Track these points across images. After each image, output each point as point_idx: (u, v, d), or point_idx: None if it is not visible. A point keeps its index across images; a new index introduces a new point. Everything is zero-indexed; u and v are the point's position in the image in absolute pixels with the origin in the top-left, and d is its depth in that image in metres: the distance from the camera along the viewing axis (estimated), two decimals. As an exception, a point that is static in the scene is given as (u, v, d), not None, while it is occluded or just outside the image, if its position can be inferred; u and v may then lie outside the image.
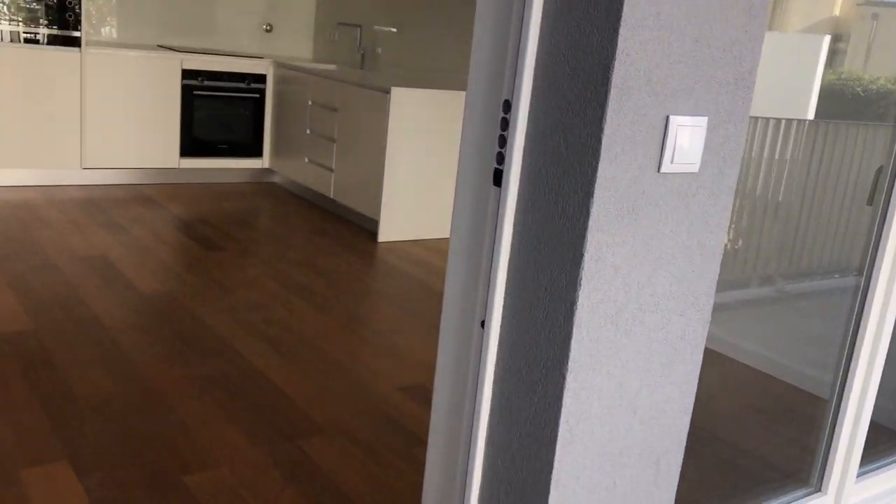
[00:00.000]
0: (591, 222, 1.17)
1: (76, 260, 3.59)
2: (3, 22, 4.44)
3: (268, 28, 5.89)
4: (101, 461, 2.09)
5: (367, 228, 4.71)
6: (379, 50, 5.36)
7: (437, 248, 4.47)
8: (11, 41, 4.49)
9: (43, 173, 4.83)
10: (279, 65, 5.35)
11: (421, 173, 4.47)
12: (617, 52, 1.13)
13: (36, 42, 4.56)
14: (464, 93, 4.50)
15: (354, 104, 4.56)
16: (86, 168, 4.90)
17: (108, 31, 5.29)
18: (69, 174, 4.92)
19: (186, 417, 2.35)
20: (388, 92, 4.27)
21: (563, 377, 1.21)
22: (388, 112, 4.28)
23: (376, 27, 5.36)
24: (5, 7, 4.43)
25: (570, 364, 1.20)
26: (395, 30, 5.20)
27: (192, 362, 2.71)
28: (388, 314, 3.37)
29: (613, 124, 1.16)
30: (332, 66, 5.60)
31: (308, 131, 5.04)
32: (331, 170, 4.83)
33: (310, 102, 5.00)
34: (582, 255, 1.18)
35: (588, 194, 1.17)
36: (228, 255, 3.91)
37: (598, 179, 1.16)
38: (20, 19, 4.49)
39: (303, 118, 5.08)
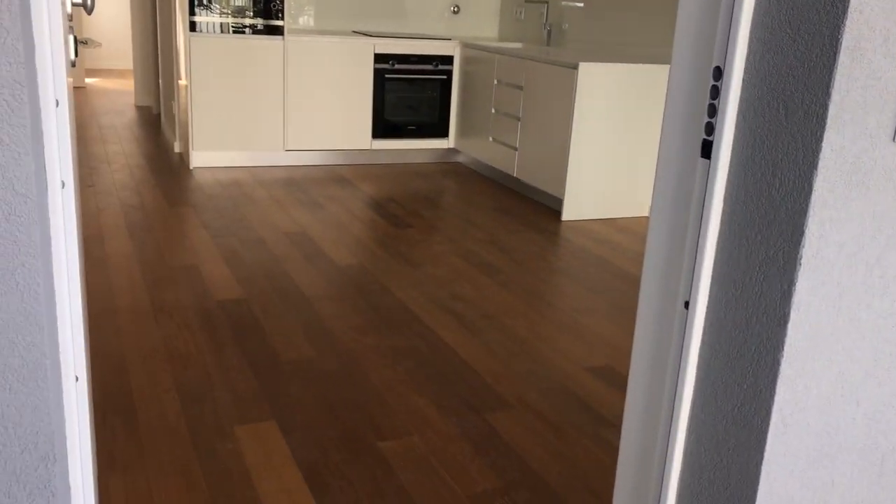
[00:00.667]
0: (813, 197, 1.08)
1: (280, 235, 3.85)
2: (214, 14, 4.82)
3: (455, 10, 5.98)
4: (303, 422, 2.23)
5: (550, 207, 4.67)
6: (565, 26, 5.28)
7: (623, 227, 4.35)
8: (222, 32, 4.87)
9: (250, 155, 5.22)
10: (466, 45, 5.41)
11: (607, 150, 4.37)
12: (849, 9, 1.02)
13: (243, 32, 4.91)
14: (653, 66, 4.32)
15: (540, 81, 4.53)
16: (288, 150, 5.23)
17: (307, 20, 5.59)
18: (273, 156, 5.28)
19: (380, 385, 2.46)
20: (575, 68, 4.20)
21: (776, 363, 1.13)
22: (574, 88, 4.21)
23: (563, 2, 5.28)
24: (217, 2, 4.81)
25: (786, 349, 1.12)
26: (581, 4, 5.09)
27: (385, 333, 2.82)
28: (572, 293, 3.33)
29: (842, 90, 1.06)
30: (517, 45, 5.59)
31: (493, 110, 5.07)
32: (515, 148, 4.83)
33: (495, 81, 5.03)
34: (802, 232, 1.09)
35: (811, 166, 1.08)
36: (416, 232, 4.03)
37: (822, 150, 1.07)
38: (230, 11, 4.85)
39: (488, 98, 5.12)
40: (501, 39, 5.97)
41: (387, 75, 5.36)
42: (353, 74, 5.25)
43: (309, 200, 4.51)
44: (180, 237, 3.72)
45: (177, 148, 5.53)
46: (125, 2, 9.68)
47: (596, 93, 4.24)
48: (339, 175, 5.21)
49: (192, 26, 4.80)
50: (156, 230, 3.80)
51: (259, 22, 4.94)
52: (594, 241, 4.07)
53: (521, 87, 4.75)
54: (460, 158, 5.79)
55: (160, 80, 6.73)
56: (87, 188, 4.45)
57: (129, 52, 9.83)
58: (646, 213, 4.61)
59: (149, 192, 4.44)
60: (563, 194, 4.37)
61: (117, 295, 3.01)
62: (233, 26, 4.88)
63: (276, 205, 4.37)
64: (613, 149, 4.38)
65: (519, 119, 4.77)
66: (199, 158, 5.10)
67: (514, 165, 4.85)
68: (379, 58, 5.30)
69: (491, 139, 5.12)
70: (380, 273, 3.42)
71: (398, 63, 5.36)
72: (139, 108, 7.27)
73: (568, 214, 4.40)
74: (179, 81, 5.32)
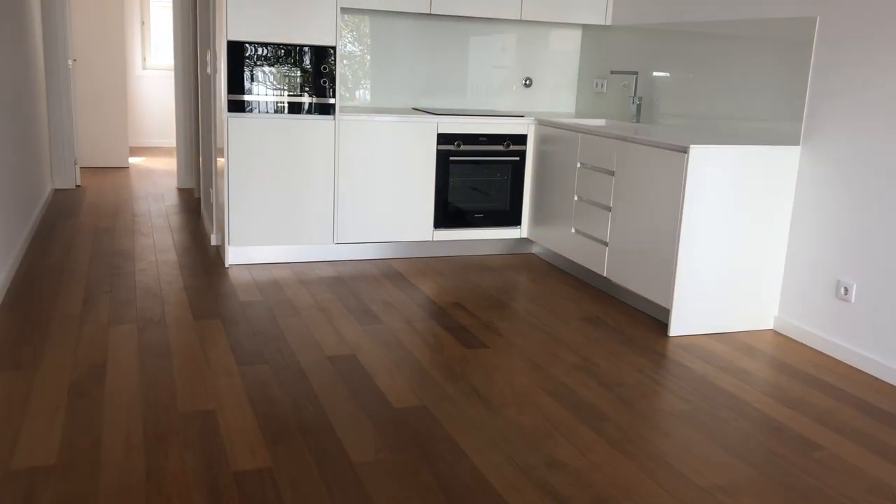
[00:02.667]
0: None
1: (323, 361, 3.11)
2: (257, 93, 4.23)
3: (527, 82, 5.31)
4: None
5: (652, 316, 3.85)
6: (657, 99, 4.54)
7: (747, 345, 3.50)
8: (265, 112, 4.26)
9: (295, 250, 4.55)
10: (541, 122, 4.71)
11: (724, 248, 3.55)
12: None
13: (289, 112, 4.30)
14: (776, 148, 3.53)
15: (637, 165, 3.76)
16: (338, 243, 4.55)
17: (361, 97, 4.98)
18: (321, 250, 4.60)
19: None
20: (684, 151, 3.43)
21: None
22: (684, 175, 3.43)
23: (655, 73, 4.56)
24: (260, 79, 4.22)
25: None
26: (674, 76, 4.36)
27: (459, 530, 2.02)
28: (706, 455, 2.49)
29: None
30: (600, 121, 4.86)
31: (576, 197, 4.32)
32: (604, 243, 4.05)
33: (578, 164, 4.29)
34: None
35: None
36: (490, 355, 3.25)
37: None
38: (274, 89, 4.26)
39: (569, 182, 4.38)
40: (580, 115, 5.26)
41: (451, 157, 4.67)
42: (413, 157, 4.58)
43: (360, 308, 3.78)
44: (200, 366, 3.01)
45: (213, 240, 4.90)
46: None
47: (710, 180, 3.46)
48: (396, 271, 4.49)
49: (232, 106, 4.21)
50: (172, 356, 3.09)
51: (307, 100, 4.33)
52: (717, 369, 3.22)
53: (611, 172, 3.99)
54: (534, 249, 5.03)
55: (200, 162, 6.20)
56: (104, 294, 3.81)
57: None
58: (771, 326, 3.74)
59: (173, 300, 3.77)
60: (671, 303, 3.55)
61: (105, 463, 2.28)
62: (278, 105, 4.27)
63: (321, 314, 3.65)
64: (731, 246, 3.56)
65: (609, 209, 4.00)
66: (236, 255, 4.45)
67: (604, 263, 4.06)
68: (443, 138, 4.62)
69: (573, 230, 4.35)
70: (449, 421, 2.63)
71: (464, 143, 4.68)
72: (181, 192, 6.75)
73: (677, 328, 3.57)
74: (217, 166, 4.72)
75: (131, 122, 9.40)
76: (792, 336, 3.64)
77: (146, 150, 9.36)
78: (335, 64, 4.34)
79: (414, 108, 5.01)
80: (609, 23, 5.00)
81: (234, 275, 4.26)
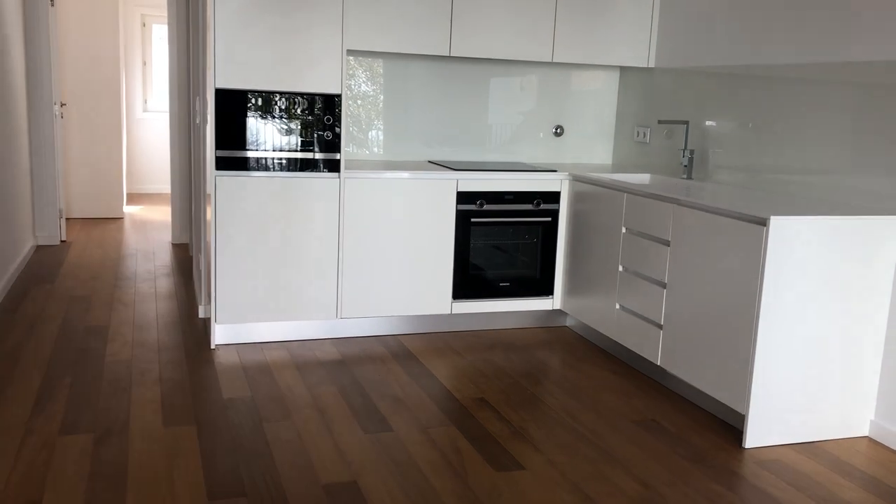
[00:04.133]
0: None
1: (317, 493, 2.47)
2: (251, 148, 3.65)
3: (557, 131, 4.71)
4: None
5: (719, 418, 3.19)
6: (714, 152, 3.93)
7: (837, 459, 2.82)
8: (259, 168, 3.68)
9: (293, 326, 3.93)
10: (577, 178, 4.10)
11: (814, 342, 2.90)
12: None
13: (288, 168, 3.72)
14: (882, 219, 2.89)
15: (699, 235, 3.14)
16: (343, 317, 3.93)
17: (371, 150, 4.40)
18: (323, 326, 3.98)
19: None
20: (763, 223, 2.80)
21: None
22: (763, 252, 2.80)
23: (708, 122, 3.95)
24: (256, 132, 3.64)
25: None
26: (730, 125, 3.75)
27: None
28: None
29: None
30: (645, 177, 4.25)
31: (621, 267, 3.69)
32: (658, 325, 3.41)
33: (623, 229, 3.67)
34: None
35: None
36: (528, 480, 2.60)
37: None
38: (271, 144, 3.68)
39: (612, 249, 3.75)
40: (618, 167, 4.65)
41: (473, 219, 4.06)
42: (429, 218, 3.97)
43: (366, 407, 3.14)
44: (161, 502, 2.37)
45: (202, 312, 4.29)
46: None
47: (795, 259, 2.82)
48: (408, 351, 3.86)
49: (221, 163, 3.63)
50: (128, 485, 2.46)
51: (309, 156, 3.75)
52: (809, 497, 2.55)
53: (665, 241, 3.36)
54: (568, 322, 4.38)
55: (192, 220, 5.64)
56: (63, 389, 3.20)
57: (180, 175, 8.94)
58: (866, 432, 3.07)
59: (143, 398, 3.15)
60: (746, 406, 2.89)
61: None
62: (275, 162, 3.69)
63: (317, 417, 3.02)
64: (820, 338, 2.91)
65: (664, 285, 3.37)
66: (224, 333, 3.84)
67: (658, 349, 3.41)
68: (463, 196, 4.02)
69: (618, 306, 3.71)
70: None
71: (488, 202, 4.07)
72: (175, 248, 6.17)
73: (754, 438, 2.91)
74: (205, 230, 4.14)
75: (131, 167, 8.89)
76: (890, 445, 2.96)
77: (146, 197, 8.84)
78: (340, 115, 3.76)
79: (430, 162, 4.42)
80: (652, 65, 4.40)
81: (220, 358, 3.64)
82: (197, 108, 4.27)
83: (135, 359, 3.60)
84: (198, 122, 4.27)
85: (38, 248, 5.86)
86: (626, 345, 3.66)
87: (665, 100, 4.30)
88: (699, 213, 3.13)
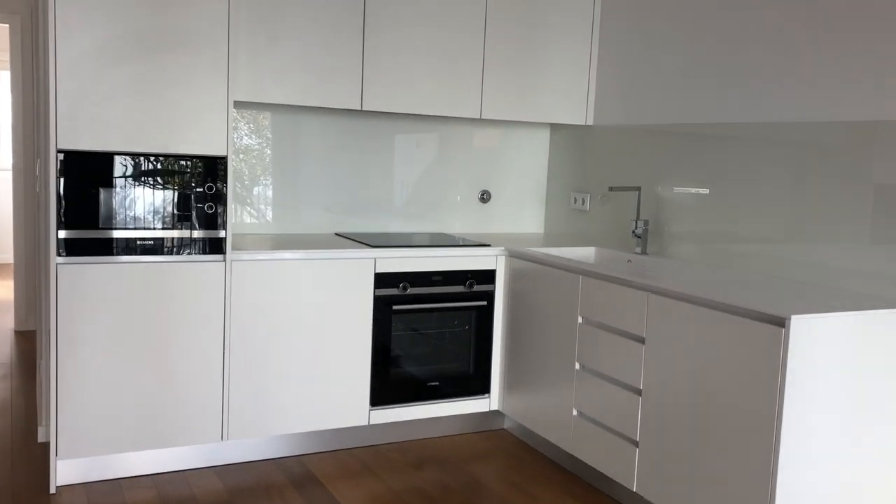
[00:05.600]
0: None
1: None
2: (106, 226, 2.79)
3: (483, 197, 4.08)
4: None
5: (717, 561, 2.55)
6: (666, 222, 3.39)
7: None
8: (115, 253, 2.82)
9: (165, 456, 3.04)
10: (514, 255, 3.46)
11: (844, 469, 2.33)
12: None
13: (159, 252, 2.88)
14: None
15: (686, 334, 2.53)
16: (230, 439, 3.08)
17: (263, 224, 3.61)
18: (204, 452, 3.11)
19: None
20: (780, 324, 2.21)
21: None
22: (781, 361, 2.21)
23: (661, 188, 3.42)
24: (114, 205, 2.80)
25: None
26: (705, 192, 3.22)
27: None
28: None
29: None
30: (589, 250, 3.66)
31: (578, 365, 3.05)
32: (633, 442, 2.77)
33: (580, 319, 3.03)
34: None
35: None
36: None
37: None
38: (134, 220, 2.84)
39: (565, 341, 3.10)
40: (550, 237, 4.05)
41: (395, 305, 3.33)
42: (340, 307, 3.21)
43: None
44: None
45: (41, 435, 3.31)
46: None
47: (820, 367, 2.25)
48: (313, 476, 3.05)
49: (68, 246, 2.75)
50: None
51: (186, 234, 2.92)
52: None
53: (639, 338, 2.75)
54: (507, 424, 3.69)
55: (40, 304, 4.63)
56: None
57: (31, 241, 7.72)
58: (897, 571, 2.50)
59: (-59, 589, 2.20)
60: (764, 557, 2.27)
61: None
62: (139, 244, 2.84)
63: None
64: (850, 462, 2.34)
65: (639, 392, 2.74)
66: (70, 470, 2.89)
67: (634, 472, 2.76)
68: (383, 279, 3.29)
69: (576, 413, 3.06)
70: None
71: (412, 286, 3.35)
72: (19, 338, 5.08)
73: None
74: (45, 332, 3.20)
75: (-30, 232, 7.60)
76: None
77: (-12, 266, 7.56)
78: (226, 181, 2.97)
79: (338, 234, 3.68)
80: (590, 122, 3.87)
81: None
82: (37, 171, 3.36)
83: (-63, 519, 2.61)
84: (37, 189, 3.35)
85: None
86: (588, 461, 2.99)
87: (606, 161, 3.76)
88: (687, 308, 2.53)
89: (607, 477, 3.00)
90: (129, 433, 2.90)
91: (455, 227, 4.03)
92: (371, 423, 3.33)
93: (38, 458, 3.13)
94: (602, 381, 2.91)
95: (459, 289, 3.46)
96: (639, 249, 3.47)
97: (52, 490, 2.82)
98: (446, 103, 3.55)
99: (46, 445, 3.25)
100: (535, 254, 3.33)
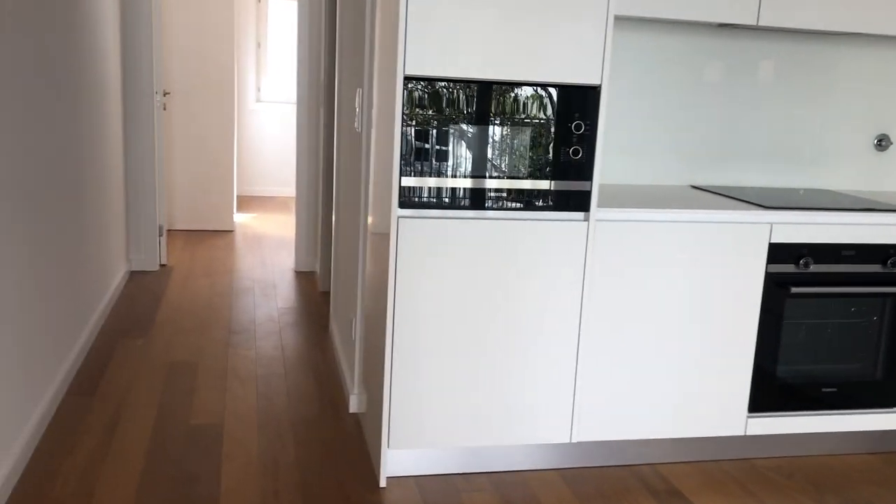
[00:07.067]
0: None
1: None
2: (447, 174, 2.24)
3: (879, 143, 3.12)
4: None
5: None
6: None
7: None
8: (455, 207, 2.27)
9: (504, 452, 2.52)
10: (962, 225, 2.52)
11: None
12: None
13: (504, 206, 2.30)
14: None
15: None
16: (578, 440, 2.49)
17: (628, 170, 2.93)
18: (544, 451, 2.55)
19: None
20: None
21: None
22: None
23: None
24: (459, 155, 2.23)
25: None
26: None
27: None
28: None
29: None
30: None
31: None
32: None
33: None
34: None
35: None
36: None
37: None
38: (491, 165, 2.26)
39: None
40: (980, 199, 3.01)
41: (793, 287, 2.54)
42: (720, 286, 2.48)
43: None
44: None
45: (352, 405, 2.93)
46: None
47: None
48: (674, 489, 2.41)
49: (405, 197, 2.24)
50: None
51: (538, 185, 2.31)
52: None
53: None
54: (912, 445, 2.81)
55: (319, 242, 4.36)
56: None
57: (296, 176, 7.71)
58: None
59: None
60: None
61: None
62: (488, 195, 2.28)
63: None
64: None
65: None
66: (399, 462, 2.46)
67: None
68: (777, 251, 2.50)
69: None
70: None
71: (815, 261, 2.54)
72: (299, 277, 4.88)
73: None
74: (364, 286, 2.76)
75: (240, 166, 7.73)
76: None
77: (258, 201, 7.65)
78: (597, 119, 2.31)
79: (694, 187, 2.92)
80: None
81: (393, 500, 2.28)
82: (357, 106, 2.89)
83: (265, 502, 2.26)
84: (356, 127, 2.89)
85: (132, 276, 4.67)
86: None
87: None
88: None
89: None
90: (465, 423, 2.40)
91: (838, 183, 3.13)
92: (748, 433, 2.60)
93: (352, 435, 2.75)
94: None
95: (875, 268, 2.59)
96: None
97: (382, 483, 2.40)
98: (872, 18, 2.62)
99: (358, 419, 2.87)
100: None
